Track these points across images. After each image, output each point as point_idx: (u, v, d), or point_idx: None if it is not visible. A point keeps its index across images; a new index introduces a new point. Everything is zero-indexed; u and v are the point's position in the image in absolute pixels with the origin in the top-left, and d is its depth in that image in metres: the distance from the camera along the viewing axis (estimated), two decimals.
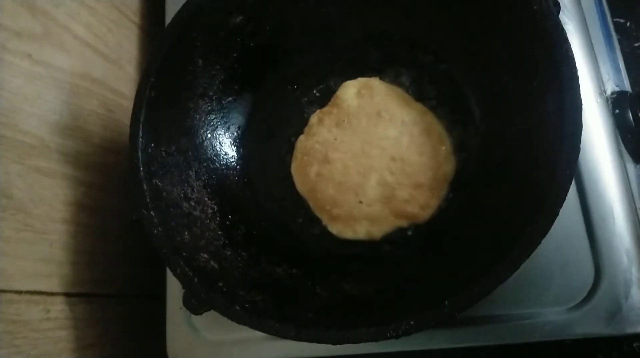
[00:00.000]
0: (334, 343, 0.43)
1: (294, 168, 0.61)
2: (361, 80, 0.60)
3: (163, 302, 0.63)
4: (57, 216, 0.59)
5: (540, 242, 0.41)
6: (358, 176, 0.56)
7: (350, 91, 0.60)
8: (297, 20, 0.60)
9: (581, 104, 0.42)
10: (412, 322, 0.41)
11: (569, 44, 0.44)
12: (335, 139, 0.58)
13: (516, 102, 0.51)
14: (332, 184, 0.57)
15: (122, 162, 0.68)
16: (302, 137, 0.61)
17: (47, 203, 0.57)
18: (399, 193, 0.55)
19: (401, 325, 0.41)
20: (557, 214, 0.41)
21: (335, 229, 0.58)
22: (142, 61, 0.79)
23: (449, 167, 0.56)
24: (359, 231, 0.57)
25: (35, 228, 0.55)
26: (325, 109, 0.61)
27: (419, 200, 0.55)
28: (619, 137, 0.59)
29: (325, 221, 0.59)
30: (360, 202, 0.56)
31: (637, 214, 0.56)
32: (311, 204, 0.59)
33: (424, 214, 0.55)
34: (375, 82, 0.60)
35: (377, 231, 0.56)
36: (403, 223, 0.56)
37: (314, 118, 0.61)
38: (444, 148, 0.56)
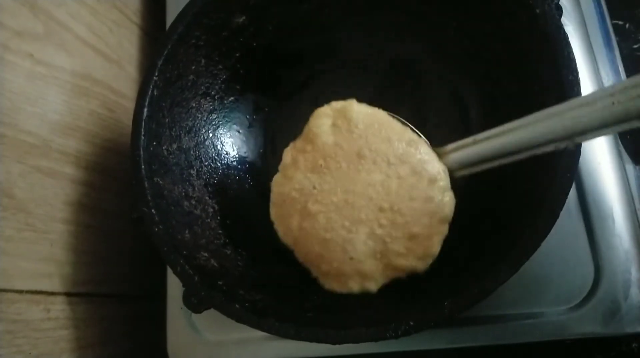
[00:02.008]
0: (334, 343, 0.43)
1: (274, 215, 0.56)
2: (335, 107, 0.54)
3: (163, 302, 0.63)
4: (58, 216, 0.59)
5: (540, 245, 0.41)
6: (344, 231, 0.51)
7: (325, 123, 0.54)
8: (299, 21, 0.60)
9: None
10: (411, 323, 0.41)
11: (571, 48, 0.45)
12: (314, 188, 0.52)
13: (517, 106, 0.50)
14: (317, 241, 0.52)
15: (123, 162, 0.68)
16: (277, 178, 0.56)
17: (48, 202, 0.57)
18: (392, 246, 0.50)
19: (401, 325, 0.42)
20: (557, 217, 0.41)
21: (328, 285, 0.53)
22: (142, 61, 0.79)
23: (446, 209, 0.51)
24: (353, 287, 0.51)
25: (36, 228, 0.55)
26: (298, 143, 0.55)
27: (415, 252, 0.50)
28: (618, 138, 0.60)
29: (315, 274, 0.54)
30: (351, 258, 0.51)
31: (637, 215, 0.57)
32: (298, 256, 0.55)
33: (423, 265, 0.50)
34: (352, 109, 0.53)
35: (373, 285, 0.51)
36: (401, 275, 0.51)
37: (287, 156, 0.56)
38: (436, 186, 0.51)
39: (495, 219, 0.51)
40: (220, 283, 0.49)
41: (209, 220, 0.57)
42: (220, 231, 0.57)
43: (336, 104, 0.53)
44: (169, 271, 0.63)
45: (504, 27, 0.51)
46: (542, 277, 0.56)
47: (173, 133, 0.56)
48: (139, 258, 0.72)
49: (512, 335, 0.55)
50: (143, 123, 0.52)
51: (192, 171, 0.58)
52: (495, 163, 0.48)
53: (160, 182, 0.53)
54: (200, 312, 0.49)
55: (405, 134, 0.52)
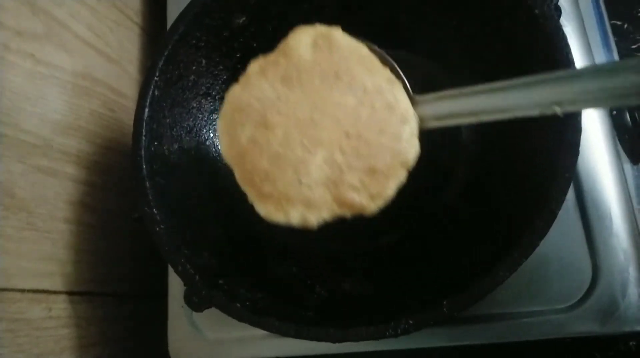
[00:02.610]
0: (334, 342, 0.43)
1: (221, 127, 0.49)
2: (320, 28, 0.48)
3: (164, 301, 0.64)
4: (59, 215, 0.59)
5: (539, 244, 0.41)
6: (301, 150, 0.45)
7: (304, 39, 0.48)
8: (300, 21, 0.60)
9: (580, 110, 0.42)
10: (411, 321, 0.42)
11: (570, 49, 0.45)
12: (279, 98, 0.46)
13: None
14: (268, 155, 0.46)
15: (124, 162, 0.69)
16: (235, 88, 0.49)
17: (49, 202, 0.58)
18: (348, 177, 0.44)
19: (400, 324, 0.42)
20: (555, 216, 0.41)
21: (264, 210, 0.47)
22: (143, 61, 0.79)
23: (411, 153, 0.45)
24: (293, 216, 0.45)
25: (37, 227, 0.56)
26: (271, 56, 0.48)
27: (370, 189, 0.44)
28: (617, 138, 0.60)
29: (252, 198, 0.47)
30: (300, 182, 0.45)
31: (634, 215, 0.57)
32: (237, 174, 0.48)
33: (373, 207, 0.45)
34: (337, 34, 0.48)
35: (314, 218, 0.45)
36: (346, 212, 0.45)
37: (254, 66, 0.49)
38: (408, 128, 0.46)
39: (494, 218, 0.51)
40: (221, 282, 0.49)
41: (209, 220, 0.57)
42: (221, 231, 0.57)
43: (321, 27, 0.48)
44: (170, 270, 0.63)
45: (503, 28, 0.51)
46: (541, 276, 0.56)
47: (174, 133, 0.56)
48: (140, 258, 0.72)
49: (511, 333, 0.55)
50: (144, 123, 0.52)
51: (193, 171, 0.58)
52: (471, 119, 0.45)
53: (162, 182, 0.53)
54: (201, 311, 0.49)
55: (386, 72, 0.48)
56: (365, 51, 0.48)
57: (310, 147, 0.45)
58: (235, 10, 0.57)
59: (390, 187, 0.45)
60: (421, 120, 0.46)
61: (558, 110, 0.40)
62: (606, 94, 0.38)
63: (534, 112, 0.41)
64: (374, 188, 0.44)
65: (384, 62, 0.48)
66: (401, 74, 0.47)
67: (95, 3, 0.68)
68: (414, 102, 0.47)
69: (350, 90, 0.46)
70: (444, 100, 0.46)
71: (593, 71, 0.40)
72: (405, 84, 0.47)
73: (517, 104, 0.42)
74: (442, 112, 0.46)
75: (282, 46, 0.48)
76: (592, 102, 0.40)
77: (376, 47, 0.49)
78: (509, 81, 0.43)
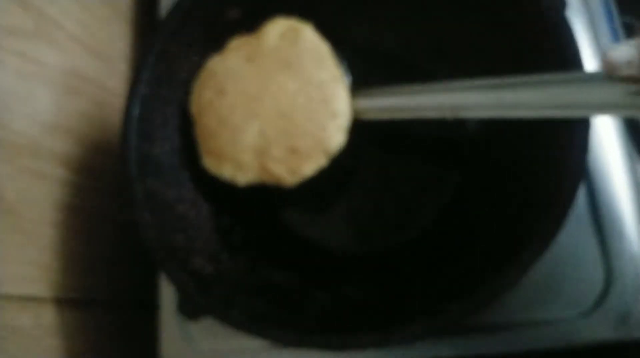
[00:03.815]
0: (336, 350, 0.42)
1: (195, 86, 0.56)
2: (292, 22, 0.56)
3: (157, 310, 0.62)
4: (49, 219, 0.58)
5: (550, 245, 0.40)
6: (242, 118, 0.52)
7: (277, 29, 0.55)
8: (296, 15, 0.60)
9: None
10: (417, 328, 0.41)
11: (576, 42, 0.44)
12: (238, 72, 0.54)
13: None
14: (217, 117, 0.53)
15: (115, 164, 0.67)
16: (215, 57, 0.57)
17: (38, 205, 0.56)
18: (273, 149, 0.52)
19: (406, 330, 0.41)
20: (567, 216, 0.40)
21: (206, 161, 0.54)
22: (134, 58, 0.78)
23: (332, 143, 0.52)
24: (225, 171, 0.53)
25: (26, 231, 0.54)
26: (249, 37, 0.56)
27: (289, 164, 0.52)
28: (630, 140, 0.59)
29: (201, 149, 0.55)
30: (235, 144, 0.52)
31: None
32: (195, 127, 0.55)
33: (290, 180, 0.52)
34: (305, 30, 0.55)
35: (242, 178, 0.53)
36: (268, 179, 0.52)
37: (233, 42, 0.56)
38: (336, 121, 0.52)
39: (503, 220, 0.50)
40: (217, 289, 0.48)
41: (204, 224, 0.56)
42: (215, 236, 0.56)
43: (295, 22, 0.56)
44: (163, 278, 0.62)
45: (507, 22, 0.51)
46: (552, 282, 0.55)
47: (165, 133, 0.55)
48: (132, 265, 0.71)
49: (521, 342, 0.54)
50: (134, 123, 0.51)
51: (185, 173, 0.57)
52: (391, 115, 0.53)
53: (153, 184, 0.52)
54: (196, 320, 0.48)
55: (336, 71, 0.54)
56: (324, 49, 0.55)
57: (249, 117, 0.52)
58: (229, 4, 0.57)
59: (307, 167, 0.52)
60: (357, 112, 0.53)
61: (450, 114, 0.48)
62: (497, 105, 0.45)
63: (435, 114, 0.49)
64: (293, 164, 0.52)
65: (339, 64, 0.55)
66: (344, 78, 0.54)
67: (86, 0, 0.67)
68: (353, 95, 0.54)
69: (295, 78, 0.53)
70: (371, 96, 0.53)
71: (481, 85, 0.47)
72: (347, 85, 0.54)
73: (422, 106, 0.50)
74: (369, 107, 0.53)
75: (259, 30, 0.55)
76: (480, 111, 0.47)
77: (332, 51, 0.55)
78: (420, 86, 0.51)
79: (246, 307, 0.46)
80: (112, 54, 0.73)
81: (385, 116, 0.53)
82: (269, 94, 0.52)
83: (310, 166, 0.52)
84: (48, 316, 0.56)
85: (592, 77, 0.41)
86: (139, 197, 0.49)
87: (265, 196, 0.56)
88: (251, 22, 0.57)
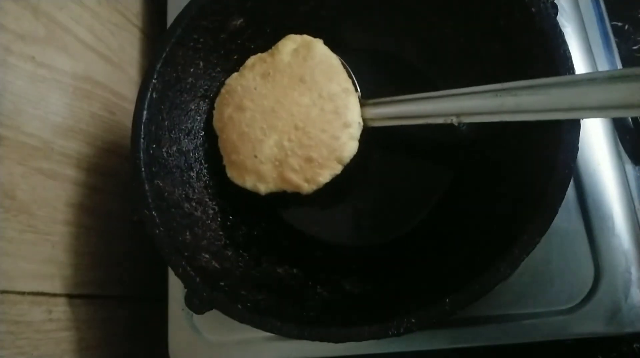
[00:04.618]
0: (336, 342, 0.43)
1: (217, 102, 0.60)
2: (305, 38, 0.59)
3: (165, 304, 0.63)
4: (60, 218, 0.59)
5: (540, 240, 0.41)
6: (260, 132, 0.56)
7: (290, 45, 0.59)
8: (296, 23, 0.61)
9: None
10: (413, 320, 0.42)
11: (567, 46, 0.45)
12: (255, 88, 0.57)
13: None
14: (237, 132, 0.57)
15: (124, 164, 0.69)
16: (235, 75, 0.60)
17: (50, 204, 0.58)
18: (291, 160, 0.55)
19: (403, 322, 0.42)
20: (556, 212, 0.41)
21: (230, 173, 0.58)
22: (143, 64, 0.79)
23: (345, 152, 0.56)
24: (248, 182, 0.57)
25: (38, 230, 0.56)
26: (264, 55, 0.60)
27: (306, 173, 0.55)
28: (618, 138, 0.60)
29: (225, 162, 0.59)
30: (255, 156, 0.56)
31: (636, 215, 0.57)
32: (219, 141, 0.59)
33: (307, 188, 0.56)
34: (317, 45, 0.59)
35: (263, 187, 0.56)
36: (288, 188, 0.56)
37: (250, 60, 0.60)
38: (348, 131, 0.56)
39: (495, 215, 0.51)
40: (222, 284, 0.49)
41: (209, 222, 0.57)
42: (221, 233, 0.57)
43: (306, 37, 0.59)
44: (170, 273, 0.63)
45: (500, 27, 0.52)
46: (542, 277, 0.56)
47: (172, 136, 0.56)
48: (140, 260, 0.72)
49: (513, 335, 0.55)
50: (142, 126, 0.52)
51: (192, 173, 0.58)
52: (398, 123, 0.56)
53: (161, 184, 0.53)
54: (202, 313, 0.49)
55: (346, 83, 0.58)
56: (335, 62, 0.58)
57: (267, 131, 0.56)
58: (233, 13, 0.58)
59: (323, 175, 0.55)
60: (366, 120, 0.58)
61: (455, 120, 0.51)
62: (496, 110, 0.47)
63: (439, 120, 0.52)
64: (309, 173, 0.55)
65: (350, 75, 0.59)
66: (357, 87, 0.59)
67: (96, 6, 0.69)
68: (362, 105, 0.58)
69: (308, 92, 0.56)
70: (379, 105, 0.57)
71: (483, 90, 0.48)
72: (359, 96, 0.58)
73: (426, 113, 0.53)
74: (377, 115, 0.57)
75: (274, 48, 0.59)
76: (483, 116, 0.49)
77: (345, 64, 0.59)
78: (424, 94, 0.53)
79: (250, 301, 0.47)
80: (122, 59, 0.74)
81: (394, 123, 0.56)
82: (284, 108, 0.56)
83: (326, 174, 0.55)
84: (59, 311, 0.58)
85: (592, 79, 0.42)
86: (148, 197, 0.50)
87: (269, 195, 0.57)
88: (254, 30, 0.58)
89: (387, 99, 0.56)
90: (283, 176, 0.55)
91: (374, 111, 0.57)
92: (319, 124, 0.55)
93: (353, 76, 0.59)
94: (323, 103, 0.56)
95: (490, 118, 0.48)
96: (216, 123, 0.59)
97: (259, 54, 0.60)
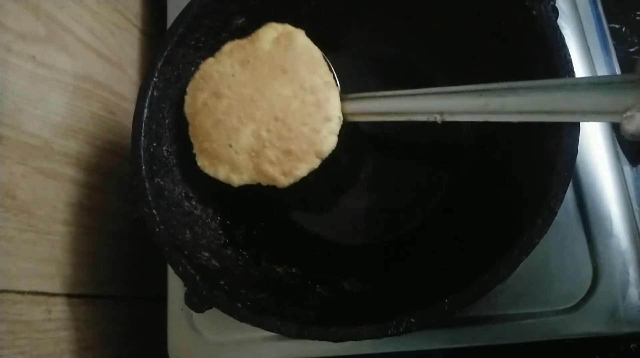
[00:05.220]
0: (336, 341, 0.43)
1: (189, 87, 0.57)
2: (287, 27, 0.57)
3: (164, 303, 0.63)
4: (60, 217, 0.59)
5: (540, 241, 0.41)
6: (236, 120, 0.54)
7: (271, 33, 0.56)
8: (298, 23, 0.61)
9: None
10: (413, 320, 0.42)
11: (567, 49, 0.45)
12: (233, 75, 0.55)
13: None
14: (212, 119, 0.54)
15: (124, 164, 0.69)
16: (210, 60, 0.57)
17: (50, 204, 0.58)
18: (268, 151, 0.53)
19: (402, 322, 0.42)
20: (555, 213, 0.41)
21: (201, 162, 0.55)
22: (143, 64, 0.79)
23: (325, 146, 0.54)
24: (220, 172, 0.54)
25: (38, 229, 0.56)
26: (242, 41, 0.57)
27: (283, 166, 0.53)
28: (616, 140, 0.60)
29: (195, 150, 0.56)
30: (230, 146, 0.54)
31: (634, 216, 0.57)
32: (190, 128, 0.56)
33: (284, 181, 0.53)
34: (298, 35, 0.56)
35: (237, 179, 0.54)
36: (263, 180, 0.54)
37: (227, 46, 0.57)
38: (328, 125, 0.54)
39: (494, 216, 0.51)
40: (222, 282, 0.49)
41: (209, 221, 0.57)
42: (220, 232, 0.57)
43: (288, 27, 0.57)
44: (170, 272, 0.63)
45: (500, 29, 0.52)
46: (541, 278, 0.56)
47: (173, 134, 0.57)
48: (139, 260, 0.72)
49: (511, 335, 0.55)
50: (143, 124, 0.52)
51: (192, 172, 0.57)
52: (380, 118, 0.55)
53: (161, 183, 0.53)
54: (202, 312, 0.49)
55: (328, 76, 0.56)
56: (317, 55, 0.56)
57: (244, 120, 0.54)
58: (234, 12, 0.58)
59: (300, 168, 0.53)
60: (346, 115, 0.55)
61: (438, 118, 0.49)
62: (480, 110, 0.47)
63: (422, 117, 0.51)
64: (287, 166, 0.53)
65: (330, 69, 0.57)
66: (337, 81, 0.57)
67: (96, 6, 0.69)
68: (343, 99, 0.56)
69: (289, 83, 0.54)
70: (361, 100, 0.55)
71: (469, 89, 0.48)
72: (338, 90, 0.56)
73: (409, 110, 0.52)
74: (358, 110, 0.56)
75: (253, 35, 0.57)
76: (464, 116, 0.48)
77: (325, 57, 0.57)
78: (406, 90, 0.52)
79: (249, 300, 0.47)
80: (121, 59, 0.75)
81: (375, 118, 0.55)
82: (264, 98, 0.54)
83: (304, 167, 0.53)
84: (59, 310, 0.58)
85: (576, 84, 0.43)
86: (148, 195, 0.50)
87: (268, 194, 0.57)
88: (255, 29, 0.58)
89: (368, 94, 0.55)
90: (259, 167, 0.53)
91: (354, 106, 0.56)
92: (299, 116, 0.54)
93: (333, 69, 0.57)
94: (304, 95, 0.54)
95: (473, 117, 0.48)
96: (188, 109, 0.56)
97: (237, 41, 0.57)
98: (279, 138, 0.53)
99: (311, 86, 0.54)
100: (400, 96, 0.53)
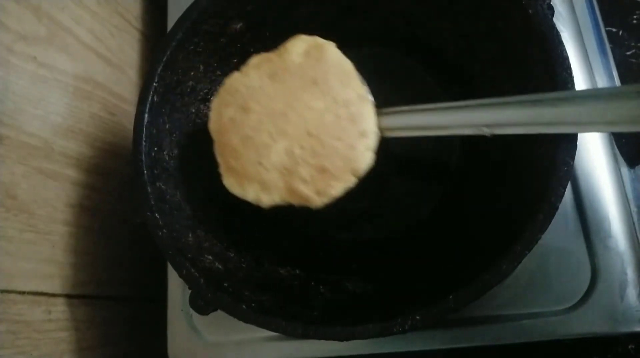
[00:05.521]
0: (341, 340, 0.43)
1: (214, 103, 0.54)
2: (317, 40, 0.53)
3: (164, 305, 0.63)
4: (60, 218, 0.59)
5: (541, 237, 0.42)
6: (267, 136, 0.50)
7: (300, 46, 0.53)
8: (296, 27, 0.61)
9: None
10: (418, 317, 0.42)
11: (564, 46, 0.45)
12: (262, 89, 0.52)
13: None
14: (240, 135, 0.51)
15: (124, 165, 0.69)
16: (236, 74, 0.54)
17: (50, 204, 0.58)
18: (301, 169, 0.49)
19: (407, 320, 0.42)
20: (556, 208, 0.42)
21: (227, 181, 0.52)
22: (143, 65, 0.79)
23: (362, 163, 0.50)
24: (249, 192, 0.51)
25: (38, 229, 0.56)
26: (269, 54, 0.54)
27: (317, 185, 0.49)
28: (614, 141, 0.61)
29: (221, 168, 0.52)
30: (260, 163, 0.50)
31: (632, 217, 0.58)
32: (215, 145, 0.53)
33: (318, 201, 0.50)
34: (329, 48, 0.53)
35: (267, 199, 0.50)
36: (295, 200, 0.50)
37: (255, 59, 0.54)
38: (365, 141, 0.50)
39: (496, 213, 0.52)
40: (226, 284, 0.49)
41: (211, 224, 0.57)
42: (223, 235, 0.57)
43: (318, 39, 0.54)
44: (170, 272, 0.64)
45: (497, 28, 0.52)
46: (540, 278, 0.57)
47: (174, 138, 0.57)
48: (139, 260, 0.72)
49: (510, 335, 0.56)
50: (144, 129, 0.52)
51: (193, 176, 0.58)
52: (420, 133, 0.51)
53: (163, 187, 0.53)
54: (207, 314, 0.49)
55: (361, 89, 0.52)
56: (349, 67, 0.53)
57: (275, 136, 0.50)
58: (233, 17, 0.58)
59: (335, 187, 0.50)
60: (382, 130, 0.52)
61: (487, 131, 0.46)
62: (532, 121, 0.44)
63: (468, 131, 0.47)
64: (321, 185, 0.49)
65: (363, 82, 0.53)
66: (370, 96, 0.52)
67: (97, 8, 0.69)
68: (378, 114, 0.52)
69: (322, 96, 0.51)
70: (399, 114, 0.52)
71: (519, 101, 0.45)
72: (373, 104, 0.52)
73: (455, 124, 0.48)
74: (396, 125, 0.52)
75: (281, 48, 0.53)
76: (517, 128, 0.45)
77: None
78: (451, 103, 0.48)
79: (254, 301, 0.47)
80: (122, 61, 0.75)
81: (414, 133, 0.52)
82: (295, 112, 0.51)
83: (339, 186, 0.50)
84: (59, 311, 0.58)
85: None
86: (150, 199, 0.50)
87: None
88: (254, 34, 0.58)
89: (407, 107, 0.52)
90: (291, 186, 0.50)
91: (391, 121, 0.52)
92: (333, 131, 0.50)
93: (365, 83, 0.54)
94: (338, 109, 0.50)
95: (526, 130, 0.45)
96: (213, 125, 0.53)
97: (264, 54, 0.54)
98: (312, 154, 0.49)
99: (344, 99, 0.51)
100: (443, 109, 0.50)
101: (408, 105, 0.52)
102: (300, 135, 0.50)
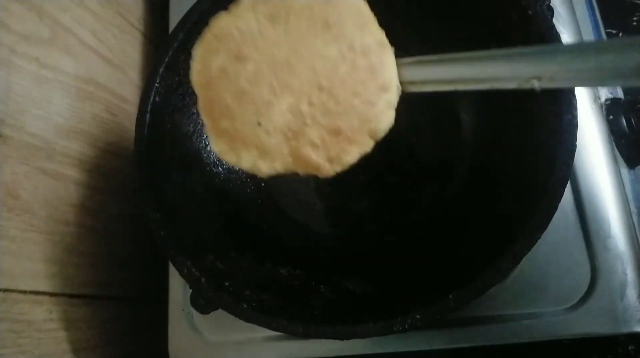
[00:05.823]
0: (342, 339, 0.44)
1: (198, 50, 0.44)
2: None
3: (165, 304, 0.64)
4: (62, 218, 0.59)
5: (541, 236, 0.42)
6: (268, 91, 0.41)
7: None
8: None
9: (576, 103, 0.43)
10: (418, 316, 0.42)
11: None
12: (260, 33, 0.42)
13: (511, 104, 0.51)
14: (233, 89, 0.42)
15: (125, 165, 0.69)
16: (221, 14, 0.44)
17: (52, 204, 0.58)
18: (309, 131, 0.41)
19: (407, 318, 0.42)
20: (556, 208, 0.42)
21: (218, 147, 0.43)
22: (144, 66, 0.80)
23: (382, 123, 0.42)
24: (244, 159, 0.42)
25: (40, 229, 0.56)
26: None
27: (329, 150, 0.41)
28: (613, 142, 0.61)
29: (209, 130, 0.43)
30: (259, 124, 0.41)
31: (632, 217, 0.58)
32: (200, 102, 0.44)
33: (329, 170, 0.42)
34: None
35: (266, 167, 0.42)
36: (301, 169, 0.42)
37: None
38: (386, 97, 0.42)
39: (496, 212, 0.52)
40: (227, 284, 0.50)
41: (212, 223, 0.57)
42: (224, 234, 0.57)
43: None
44: (171, 272, 0.64)
45: (497, 28, 0.52)
46: (540, 278, 0.57)
47: (175, 139, 0.57)
48: (140, 261, 0.73)
49: (510, 335, 0.56)
50: (146, 129, 0.52)
51: (194, 176, 0.58)
52: (448, 87, 0.43)
53: (164, 186, 0.53)
54: (207, 313, 0.49)
55: (380, 35, 0.43)
56: (363, 6, 0.43)
57: (278, 90, 0.41)
58: None
59: (351, 153, 0.42)
60: (402, 84, 0.44)
61: (536, 84, 0.38)
62: (586, 74, 0.37)
63: (512, 84, 0.40)
64: (334, 150, 0.41)
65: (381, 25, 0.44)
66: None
67: (99, 9, 0.69)
68: (398, 65, 0.44)
69: (335, 42, 0.42)
70: (425, 65, 0.44)
71: (574, 48, 0.40)
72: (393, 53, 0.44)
73: (496, 75, 0.41)
74: (421, 78, 0.44)
75: None
76: (572, 81, 0.39)
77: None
78: (490, 51, 0.42)
79: (255, 301, 0.48)
80: (123, 61, 0.75)
81: (443, 87, 0.44)
82: (302, 61, 0.41)
83: (355, 151, 0.42)
84: (60, 310, 0.58)
85: None
86: (152, 199, 0.51)
87: (270, 196, 0.57)
88: None
89: (434, 57, 0.44)
90: (297, 152, 0.41)
91: (416, 72, 0.44)
92: (349, 84, 0.41)
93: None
94: (355, 57, 0.41)
95: (585, 83, 0.41)
96: (197, 77, 0.43)
97: None
98: (324, 113, 0.41)
99: (362, 46, 0.42)
100: (480, 58, 0.42)
101: (436, 54, 0.44)
102: (309, 89, 0.41)
